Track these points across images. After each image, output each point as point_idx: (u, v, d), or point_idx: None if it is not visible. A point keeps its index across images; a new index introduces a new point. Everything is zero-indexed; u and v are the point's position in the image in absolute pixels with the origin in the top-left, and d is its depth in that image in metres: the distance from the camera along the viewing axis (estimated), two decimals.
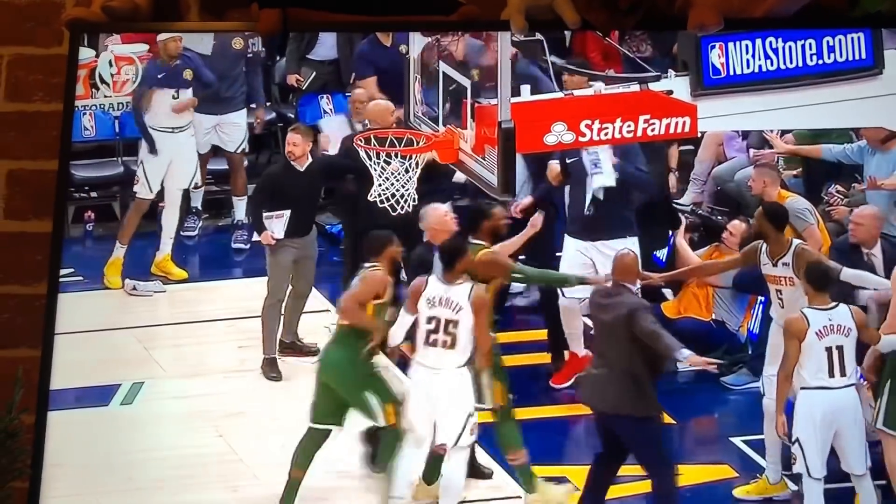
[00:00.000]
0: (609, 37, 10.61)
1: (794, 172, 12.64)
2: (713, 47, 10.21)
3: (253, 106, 12.89)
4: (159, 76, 12.51)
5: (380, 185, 10.20)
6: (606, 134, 10.16)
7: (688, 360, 10.04)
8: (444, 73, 10.34)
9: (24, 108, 10.63)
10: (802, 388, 9.72)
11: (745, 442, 10.34)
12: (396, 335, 10.01)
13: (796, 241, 10.34)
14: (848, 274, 10.15)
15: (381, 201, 10.22)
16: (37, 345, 9.89)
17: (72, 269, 12.22)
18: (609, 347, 10.00)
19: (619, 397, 9.87)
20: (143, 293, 12.06)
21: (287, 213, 11.20)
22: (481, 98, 10.12)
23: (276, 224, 11.36)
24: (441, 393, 9.85)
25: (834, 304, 9.85)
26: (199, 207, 12.98)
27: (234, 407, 10.69)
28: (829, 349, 9.72)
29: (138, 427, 10.36)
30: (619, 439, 9.99)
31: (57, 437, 9.98)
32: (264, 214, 11.30)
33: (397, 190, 10.19)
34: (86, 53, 13.11)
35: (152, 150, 12.18)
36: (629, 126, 10.19)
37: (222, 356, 11.12)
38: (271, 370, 11.18)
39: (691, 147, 12.88)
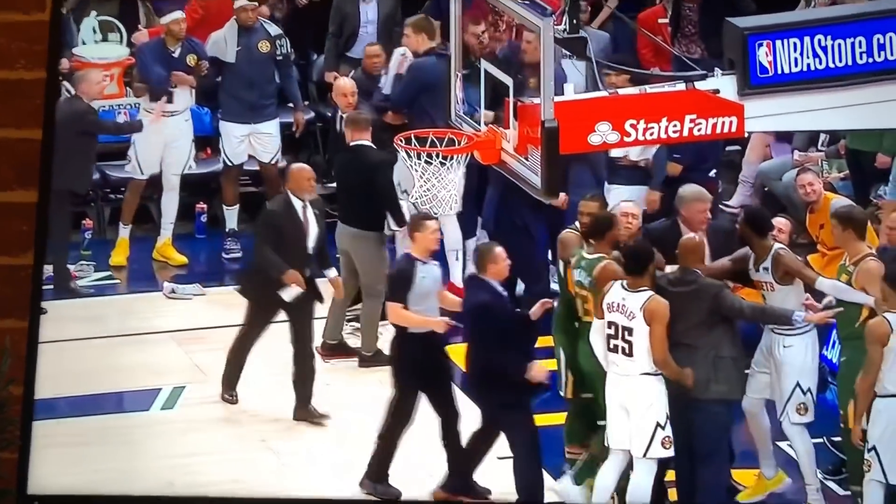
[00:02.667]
0: None
1: (842, 175, 12.59)
2: (761, 45, 10.02)
3: (290, 105, 12.88)
4: (164, 68, 12.41)
5: (421, 185, 10.05)
6: (652, 134, 9.94)
7: (806, 318, 9.87)
8: (485, 70, 10.19)
9: (7, 76, 10.38)
10: (881, 396, 9.47)
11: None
12: (596, 342, 9.72)
13: (777, 246, 10.11)
14: (824, 284, 9.99)
15: (422, 203, 10.07)
16: (24, 316, 9.75)
17: (108, 273, 12.36)
18: (690, 334, 9.70)
19: (703, 381, 9.67)
20: (181, 296, 12.04)
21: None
22: (524, 96, 10.00)
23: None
24: (629, 400, 9.61)
25: None
26: (236, 228, 12.88)
27: (278, 411, 10.60)
28: None
29: (179, 432, 10.30)
30: (691, 429, 9.77)
31: (97, 442, 10.02)
32: None
33: (438, 191, 10.05)
34: (119, 51, 13.13)
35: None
36: (675, 126, 9.97)
37: (264, 360, 10.94)
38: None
39: (738, 147, 12.93)
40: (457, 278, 11.57)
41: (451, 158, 9.96)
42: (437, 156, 9.96)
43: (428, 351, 9.94)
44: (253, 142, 12.64)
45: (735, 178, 12.64)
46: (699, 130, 10.02)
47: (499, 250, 9.86)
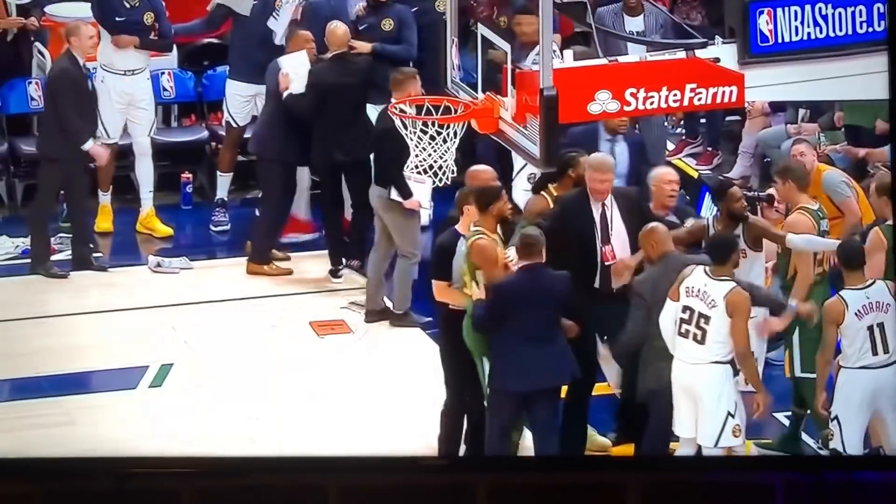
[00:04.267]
0: None
1: (838, 147, 12.47)
2: (761, 13, 9.86)
3: None
4: (117, 17, 12.01)
5: (416, 155, 9.76)
6: (652, 103, 9.71)
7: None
8: (482, 36, 9.90)
9: None
10: (844, 368, 9.48)
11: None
12: (664, 324, 9.46)
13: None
14: (795, 240, 9.86)
15: (419, 173, 9.78)
16: None
17: (90, 245, 11.94)
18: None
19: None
20: (167, 270, 11.71)
21: (429, 180, 10.29)
22: (522, 63, 9.74)
23: (423, 191, 10.82)
24: (696, 388, 9.43)
25: (870, 281, 9.55)
26: (226, 198, 12.56)
27: (270, 388, 10.33)
28: (870, 328, 9.47)
29: (168, 410, 10.07)
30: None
31: (86, 422, 9.84)
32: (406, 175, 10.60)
33: (435, 161, 9.76)
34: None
35: None
36: (675, 95, 9.76)
37: (255, 336, 10.78)
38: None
39: (738, 118, 12.73)
40: None
41: (448, 127, 9.70)
42: (433, 124, 9.70)
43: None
44: (259, 103, 12.26)
45: (735, 149, 12.51)
46: (699, 100, 9.83)
47: (544, 238, 9.49)
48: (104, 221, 12.03)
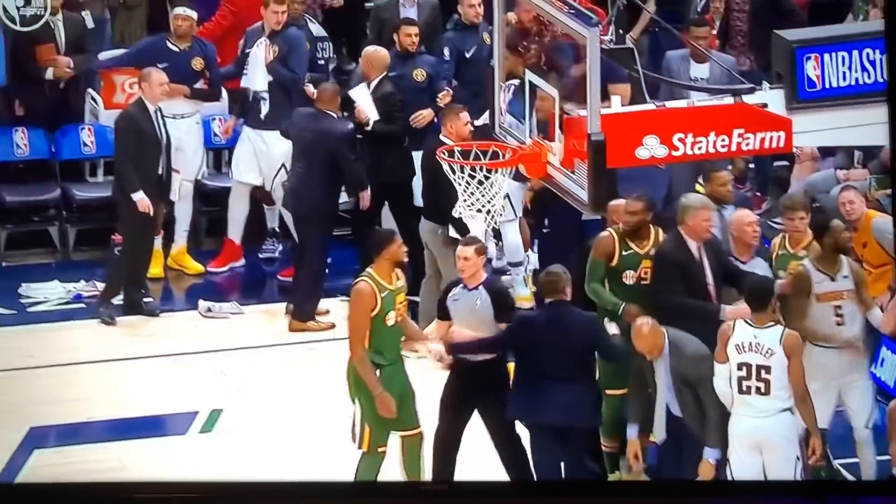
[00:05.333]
0: None
1: (888, 192, 12.40)
2: (808, 58, 9.84)
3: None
4: (160, 63, 12.00)
5: (464, 199, 9.79)
6: (700, 148, 9.71)
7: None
8: (530, 82, 9.95)
9: None
10: None
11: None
12: (721, 388, 9.40)
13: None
14: (877, 318, 9.91)
15: (467, 217, 9.81)
16: None
17: (142, 291, 11.97)
18: None
19: None
20: (218, 315, 11.75)
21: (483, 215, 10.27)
22: (570, 109, 9.76)
23: (478, 226, 10.51)
24: (768, 439, 9.38)
25: None
26: (277, 228, 12.70)
27: (319, 434, 10.27)
28: None
29: (218, 456, 10.02)
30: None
31: (136, 468, 9.83)
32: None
33: (483, 205, 9.78)
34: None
35: None
36: (723, 140, 9.75)
37: (304, 381, 10.77)
38: None
39: (786, 163, 12.86)
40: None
41: (496, 171, 9.73)
42: (482, 168, 9.73)
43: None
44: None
45: (783, 194, 12.44)
46: (747, 145, 9.79)
47: (568, 276, 9.54)
48: (155, 266, 12.07)
